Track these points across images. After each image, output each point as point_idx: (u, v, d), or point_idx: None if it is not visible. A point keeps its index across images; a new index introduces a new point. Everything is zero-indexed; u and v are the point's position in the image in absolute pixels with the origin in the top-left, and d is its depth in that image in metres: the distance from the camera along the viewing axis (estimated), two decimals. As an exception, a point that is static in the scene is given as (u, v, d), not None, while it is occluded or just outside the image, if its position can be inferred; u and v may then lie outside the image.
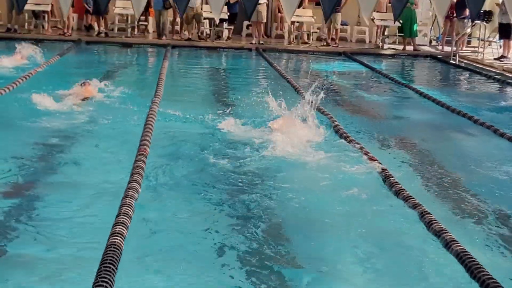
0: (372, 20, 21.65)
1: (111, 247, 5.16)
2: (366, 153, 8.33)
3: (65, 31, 21.55)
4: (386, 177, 7.42)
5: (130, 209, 6.01)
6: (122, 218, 5.76)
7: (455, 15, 21.35)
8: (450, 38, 21.84)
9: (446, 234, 5.77)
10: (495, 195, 7.32)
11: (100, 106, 10.80)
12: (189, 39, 21.51)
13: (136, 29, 22.68)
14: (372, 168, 7.75)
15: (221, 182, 7.22)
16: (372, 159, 8.02)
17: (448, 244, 5.62)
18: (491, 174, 8.17)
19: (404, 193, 6.85)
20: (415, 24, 21.72)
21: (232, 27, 22.70)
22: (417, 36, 22.22)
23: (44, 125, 9.36)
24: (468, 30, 21.22)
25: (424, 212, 6.33)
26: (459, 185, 7.73)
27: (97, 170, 7.49)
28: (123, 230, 5.53)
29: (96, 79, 12.08)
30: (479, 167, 8.44)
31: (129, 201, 6.17)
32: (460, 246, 5.52)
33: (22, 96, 10.85)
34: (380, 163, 7.80)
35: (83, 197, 6.61)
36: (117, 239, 5.32)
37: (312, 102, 9.24)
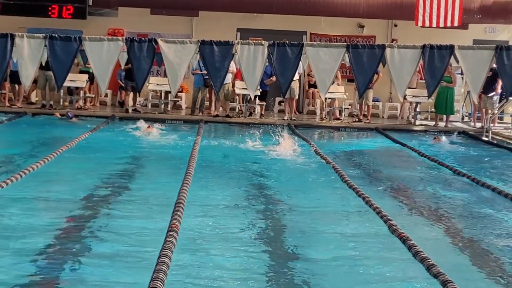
0: (404, 97, 21.66)
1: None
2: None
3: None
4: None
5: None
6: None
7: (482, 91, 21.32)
8: (480, 114, 21.92)
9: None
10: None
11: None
12: (217, 115, 21.78)
13: (169, 105, 22.95)
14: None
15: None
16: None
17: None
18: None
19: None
20: (452, 102, 21.77)
21: (264, 103, 22.91)
22: (453, 114, 22.28)
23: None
24: (498, 106, 21.22)
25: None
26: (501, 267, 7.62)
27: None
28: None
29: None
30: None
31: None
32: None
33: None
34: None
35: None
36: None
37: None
